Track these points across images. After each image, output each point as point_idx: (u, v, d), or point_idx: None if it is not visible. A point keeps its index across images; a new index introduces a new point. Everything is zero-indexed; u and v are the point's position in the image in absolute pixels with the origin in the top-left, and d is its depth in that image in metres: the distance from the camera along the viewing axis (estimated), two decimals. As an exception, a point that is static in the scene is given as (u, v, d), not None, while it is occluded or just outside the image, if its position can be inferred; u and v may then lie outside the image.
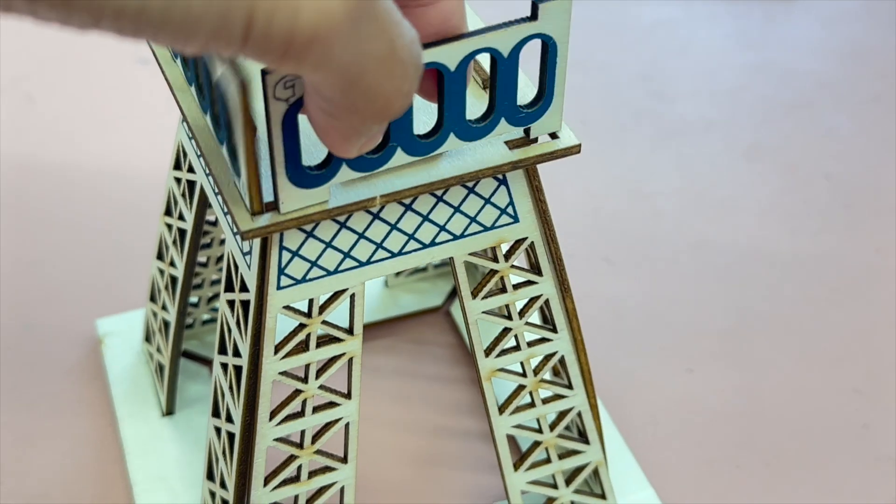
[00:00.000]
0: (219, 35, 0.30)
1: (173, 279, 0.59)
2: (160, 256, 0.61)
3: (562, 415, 0.55)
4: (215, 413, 0.53)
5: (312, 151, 0.43)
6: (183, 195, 0.56)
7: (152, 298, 0.63)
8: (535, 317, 0.59)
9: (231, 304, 0.50)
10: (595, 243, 0.77)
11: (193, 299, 0.65)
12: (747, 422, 0.66)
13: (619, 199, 0.80)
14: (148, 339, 0.65)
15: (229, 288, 0.50)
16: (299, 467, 0.51)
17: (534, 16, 0.42)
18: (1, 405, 0.65)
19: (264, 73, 0.38)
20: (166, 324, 0.61)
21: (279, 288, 0.46)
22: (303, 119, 0.40)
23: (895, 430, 0.65)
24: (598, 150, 0.84)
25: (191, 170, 0.54)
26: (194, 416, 0.63)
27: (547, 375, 0.58)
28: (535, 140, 0.47)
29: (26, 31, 0.92)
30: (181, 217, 0.56)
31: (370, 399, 0.65)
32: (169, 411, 0.63)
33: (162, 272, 0.61)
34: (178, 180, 0.56)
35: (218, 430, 0.53)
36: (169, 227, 0.58)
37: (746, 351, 0.70)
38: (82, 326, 0.69)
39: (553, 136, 0.47)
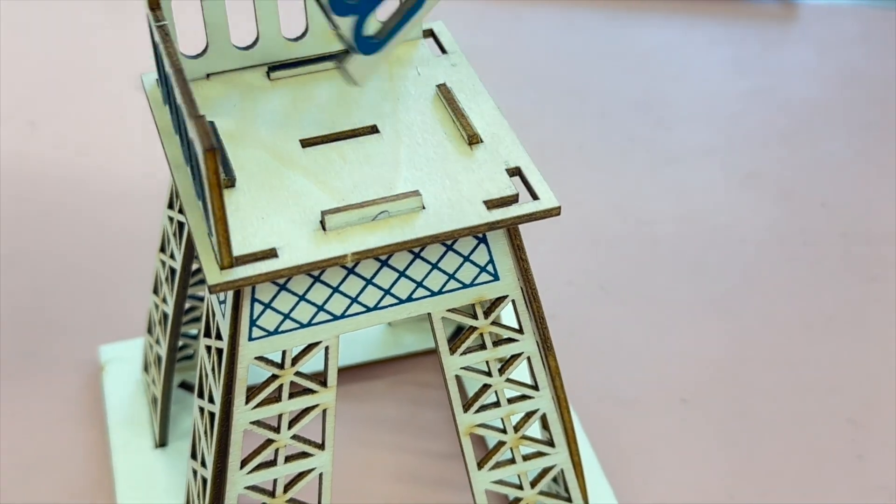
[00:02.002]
0: None
1: (165, 315, 0.59)
2: (156, 290, 0.61)
3: (544, 472, 0.55)
4: (193, 455, 0.53)
5: None
6: (174, 234, 0.56)
7: (149, 330, 0.63)
8: (522, 367, 0.58)
9: (208, 349, 0.50)
10: (591, 271, 0.76)
11: (193, 332, 0.65)
12: (742, 452, 0.65)
13: (616, 226, 0.80)
14: (146, 369, 0.65)
15: (207, 333, 0.50)
16: (271, 515, 0.51)
17: None
18: (0, 430, 0.66)
19: None
20: (160, 358, 0.61)
21: (251, 339, 0.46)
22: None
23: (891, 460, 0.64)
24: (595, 177, 0.83)
25: (181, 210, 0.55)
26: (187, 449, 0.63)
27: (535, 426, 0.58)
28: (516, 200, 0.46)
29: (28, 57, 0.93)
30: (172, 256, 0.57)
31: (364, 444, 0.65)
32: (162, 443, 0.63)
33: (157, 306, 0.61)
34: (171, 219, 0.56)
35: (195, 472, 0.53)
36: (163, 263, 0.59)
37: (741, 380, 0.69)
38: (86, 353, 0.70)
39: (534, 196, 0.47)
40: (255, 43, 0.52)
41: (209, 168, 0.41)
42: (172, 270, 0.57)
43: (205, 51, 0.51)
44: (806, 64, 0.94)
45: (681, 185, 0.83)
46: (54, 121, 0.88)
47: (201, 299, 0.63)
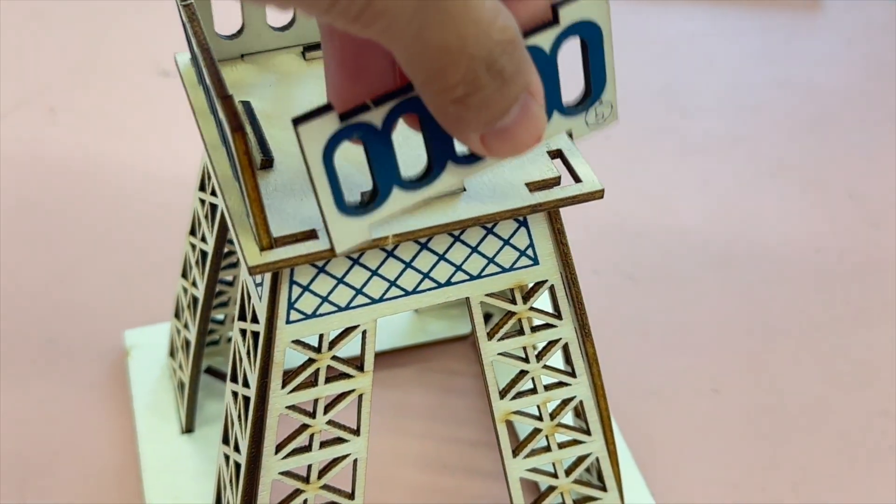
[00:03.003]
0: (311, 3, 0.34)
1: (195, 299, 0.58)
2: (185, 274, 0.60)
3: (579, 460, 0.54)
4: (225, 440, 0.53)
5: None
6: (206, 217, 0.55)
7: (177, 315, 0.63)
8: (557, 356, 0.58)
9: (243, 332, 0.49)
10: (619, 260, 0.76)
11: (219, 317, 0.64)
12: (773, 443, 0.65)
13: (643, 216, 0.79)
14: (172, 354, 0.65)
15: (242, 317, 0.49)
16: (305, 501, 0.50)
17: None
18: (26, 418, 0.65)
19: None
20: (188, 342, 0.60)
21: (288, 322, 0.45)
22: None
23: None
24: (622, 166, 0.83)
25: (213, 193, 0.54)
26: (213, 435, 0.63)
27: (569, 415, 0.57)
28: (558, 183, 0.46)
29: (48, 43, 0.93)
30: (203, 239, 0.56)
31: (392, 431, 0.65)
32: (188, 429, 0.63)
33: (186, 290, 0.60)
34: (203, 202, 0.56)
35: (227, 457, 0.52)
36: (193, 246, 0.58)
37: (772, 371, 0.69)
38: (111, 338, 0.69)
39: (576, 179, 0.46)
40: (291, 23, 0.51)
41: (238, 149, 0.40)
42: (203, 253, 0.56)
43: (240, 31, 0.51)
44: (833, 53, 0.93)
45: (707, 175, 0.82)
46: (74, 106, 0.88)
47: (229, 284, 0.62)
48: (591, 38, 0.42)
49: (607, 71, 0.43)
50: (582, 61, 0.43)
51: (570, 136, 0.44)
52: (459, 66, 0.36)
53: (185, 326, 0.61)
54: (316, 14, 0.35)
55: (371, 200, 0.41)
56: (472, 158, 0.42)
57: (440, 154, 0.41)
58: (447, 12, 0.35)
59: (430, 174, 0.42)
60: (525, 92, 0.38)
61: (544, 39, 0.40)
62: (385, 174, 0.40)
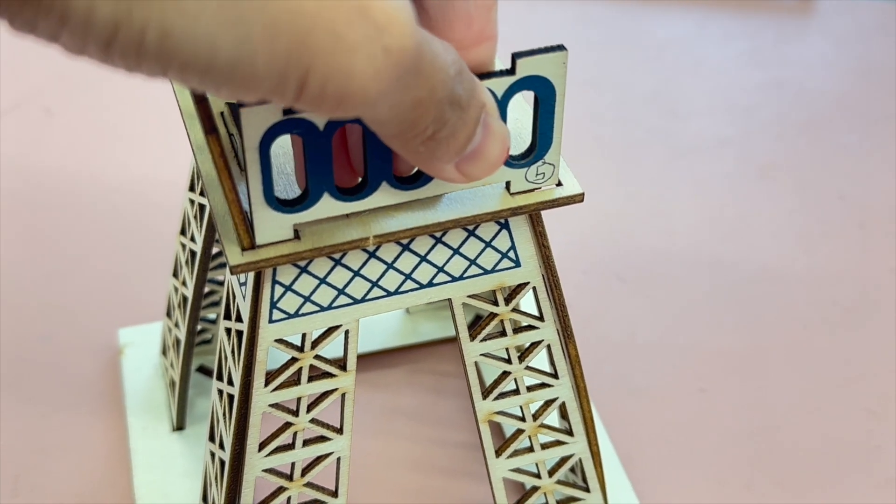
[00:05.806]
0: (275, 92, 0.33)
1: (185, 298, 0.59)
2: (175, 274, 0.61)
3: (562, 461, 0.54)
4: (211, 437, 0.53)
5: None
6: (195, 217, 0.56)
7: (168, 314, 0.63)
8: (541, 357, 0.58)
9: (228, 331, 0.50)
10: (608, 261, 0.76)
11: (211, 316, 0.65)
12: (759, 442, 0.65)
13: (633, 217, 0.80)
14: (164, 352, 0.65)
15: (227, 315, 0.50)
16: (288, 499, 0.51)
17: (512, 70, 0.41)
18: (20, 415, 0.66)
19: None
20: (178, 341, 0.61)
21: (271, 321, 0.46)
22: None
23: (909, 451, 0.64)
24: (611, 167, 0.84)
25: (202, 193, 0.55)
26: (204, 433, 0.63)
27: (553, 415, 0.58)
28: (539, 185, 0.46)
29: (44, 45, 0.94)
30: (193, 238, 0.57)
31: (381, 433, 0.65)
32: (179, 427, 0.63)
33: (176, 290, 0.61)
34: (192, 202, 0.56)
35: (212, 454, 0.53)
36: (183, 246, 0.59)
37: (759, 370, 0.69)
38: (105, 336, 0.70)
39: (557, 182, 0.47)
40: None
41: (214, 151, 0.41)
42: (193, 253, 0.57)
43: (228, 33, 0.51)
44: (823, 56, 0.94)
45: (697, 177, 0.83)
46: (69, 108, 0.88)
47: (220, 283, 0.63)
48: (544, 96, 0.43)
49: (554, 133, 0.44)
50: (533, 117, 0.44)
51: (508, 187, 0.45)
52: (430, 113, 0.36)
53: (176, 325, 0.61)
54: (288, 105, 0.34)
55: (300, 201, 0.42)
56: (408, 185, 0.43)
57: (377, 173, 0.42)
58: (422, 73, 0.35)
59: (363, 189, 0.43)
60: (482, 111, 0.39)
61: (498, 86, 0.41)
62: (319, 177, 0.41)
